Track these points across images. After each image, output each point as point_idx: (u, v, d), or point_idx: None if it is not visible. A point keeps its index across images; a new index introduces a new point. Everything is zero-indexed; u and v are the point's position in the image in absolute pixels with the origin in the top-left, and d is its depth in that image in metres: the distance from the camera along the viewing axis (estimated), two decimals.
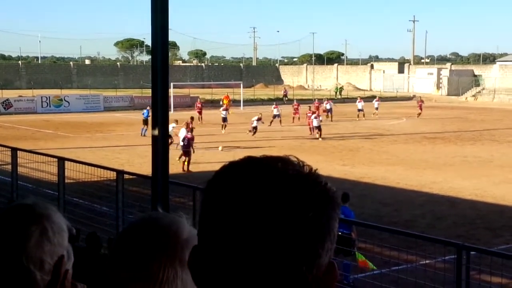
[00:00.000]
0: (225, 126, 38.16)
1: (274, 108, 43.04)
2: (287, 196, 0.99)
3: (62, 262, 1.51)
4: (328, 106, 46.47)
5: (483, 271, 8.59)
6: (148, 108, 37.25)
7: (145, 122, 35.25)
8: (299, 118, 43.21)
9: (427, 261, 9.78)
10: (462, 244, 8.24)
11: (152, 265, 1.37)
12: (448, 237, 13.47)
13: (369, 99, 56.52)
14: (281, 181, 1.00)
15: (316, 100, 49.48)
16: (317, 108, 42.45)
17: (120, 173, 12.45)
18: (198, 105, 46.29)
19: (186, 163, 24.59)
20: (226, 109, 40.97)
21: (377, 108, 50.07)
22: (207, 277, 1.02)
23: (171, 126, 28.12)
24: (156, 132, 5.56)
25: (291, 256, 0.97)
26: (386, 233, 10.77)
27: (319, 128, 35.15)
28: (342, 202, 12.42)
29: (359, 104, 48.62)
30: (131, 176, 13.51)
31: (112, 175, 12.66)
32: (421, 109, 50.03)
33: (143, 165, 21.89)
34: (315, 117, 35.64)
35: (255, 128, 35.61)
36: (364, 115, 47.41)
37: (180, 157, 24.84)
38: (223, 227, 0.99)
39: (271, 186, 0.99)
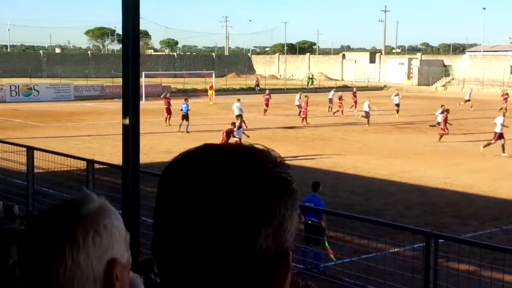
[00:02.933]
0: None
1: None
2: (231, 180, 1.01)
3: None
4: (330, 96, 46.33)
5: (451, 258, 8.73)
6: (186, 101, 34.16)
7: (185, 117, 32.93)
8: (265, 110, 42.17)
9: (396, 249, 9.91)
10: (431, 232, 8.36)
11: (45, 242, 1.30)
12: (418, 225, 13.65)
13: (341, 88, 56.49)
14: (229, 167, 1.02)
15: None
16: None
17: (90, 162, 12.36)
18: (166, 100, 36.49)
19: None
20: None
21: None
22: (165, 265, 1.05)
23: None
24: (126, 121, 5.53)
25: (227, 239, 0.99)
26: (357, 221, 10.89)
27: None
28: (313, 191, 12.51)
29: (396, 98, 43.41)
30: (101, 166, 13.42)
31: (83, 164, 12.57)
32: (506, 101, 45.54)
33: (114, 154, 21.76)
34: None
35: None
36: (398, 111, 42.51)
37: None
38: (173, 214, 1.02)
39: (219, 171, 1.01)
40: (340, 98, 43.29)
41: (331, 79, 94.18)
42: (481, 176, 21.74)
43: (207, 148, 1.07)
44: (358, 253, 10.29)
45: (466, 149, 28.24)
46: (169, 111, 35.58)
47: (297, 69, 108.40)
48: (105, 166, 13.53)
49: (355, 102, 45.85)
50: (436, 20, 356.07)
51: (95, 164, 12.45)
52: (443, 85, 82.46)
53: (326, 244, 11.34)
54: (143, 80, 50.65)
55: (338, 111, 42.59)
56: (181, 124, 32.93)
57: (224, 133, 25.78)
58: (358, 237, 9.85)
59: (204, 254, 1.00)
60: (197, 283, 1.01)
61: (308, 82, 79.60)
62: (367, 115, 37.51)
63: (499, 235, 14.86)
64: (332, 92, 47.46)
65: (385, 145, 29.04)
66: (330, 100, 45.80)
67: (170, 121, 34.96)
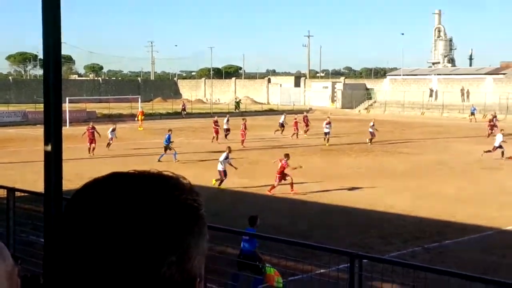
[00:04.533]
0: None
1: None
2: (135, 208, 1.00)
3: None
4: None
5: (375, 278, 8.92)
6: (169, 132, 32.38)
7: (167, 148, 31.60)
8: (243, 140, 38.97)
9: (322, 271, 10.04)
10: (356, 253, 8.52)
11: None
12: (343, 246, 13.87)
13: (267, 112, 56.93)
14: (134, 195, 1.01)
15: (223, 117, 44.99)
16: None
17: (11, 190, 11.99)
18: (89, 130, 34.42)
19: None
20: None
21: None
22: None
23: None
24: (49, 147, 5.44)
25: (129, 266, 0.97)
26: (283, 244, 10.97)
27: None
28: (250, 225, 12.36)
29: (326, 127, 40.49)
30: (23, 194, 13.05)
31: (3, 192, 12.19)
32: (491, 128, 44.33)
33: (36, 181, 21.20)
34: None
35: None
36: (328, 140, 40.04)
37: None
38: (75, 244, 1.00)
39: (123, 200, 1.00)
40: (295, 121, 44.56)
41: (257, 102, 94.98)
42: (402, 196, 22.34)
43: (113, 176, 1.05)
44: (285, 276, 10.37)
45: (387, 171, 28.97)
46: (92, 141, 33.97)
47: (223, 93, 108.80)
48: (26, 194, 13.17)
49: (307, 126, 46.75)
50: (357, 45, 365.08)
51: (16, 192, 12.10)
52: (366, 108, 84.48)
53: (268, 271, 11.23)
54: (67, 106, 49.77)
55: (294, 134, 44.08)
56: (162, 155, 31.03)
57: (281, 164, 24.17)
58: (284, 260, 9.92)
59: (106, 282, 0.97)
60: None
61: (235, 106, 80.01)
62: (371, 135, 41.23)
63: (422, 253, 15.28)
64: (283, 116, 48.17)
65: (311, 167, 29.43)
66: (281, 124, 46.45)
67: (95, 151, 33.54)
